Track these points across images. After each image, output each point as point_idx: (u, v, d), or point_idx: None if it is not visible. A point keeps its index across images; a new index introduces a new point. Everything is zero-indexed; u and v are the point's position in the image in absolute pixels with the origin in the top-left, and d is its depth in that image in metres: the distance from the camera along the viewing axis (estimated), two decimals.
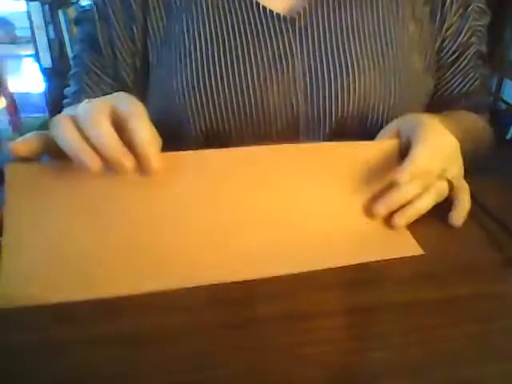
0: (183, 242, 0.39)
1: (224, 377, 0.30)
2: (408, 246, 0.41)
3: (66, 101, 0.65)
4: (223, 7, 0.56)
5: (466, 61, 0.63)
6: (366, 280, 0.38)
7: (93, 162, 0.35)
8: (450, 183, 0.45)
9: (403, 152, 0.44)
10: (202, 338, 0.33)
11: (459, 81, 0.65)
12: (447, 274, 0.39)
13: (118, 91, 0.56)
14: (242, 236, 0.40)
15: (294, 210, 0.42)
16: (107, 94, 0.59)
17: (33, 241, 0.37)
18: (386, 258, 0.39)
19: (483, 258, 0.41)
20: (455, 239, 0.43)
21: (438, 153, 0.44)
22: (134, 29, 0.58)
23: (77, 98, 0.61)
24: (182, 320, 0.34)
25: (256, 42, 0.55)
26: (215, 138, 0.49)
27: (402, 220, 0.43)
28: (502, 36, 1.91)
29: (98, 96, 0.59)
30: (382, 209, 0.43)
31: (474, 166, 0.47)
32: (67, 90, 0.65)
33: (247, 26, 0.56)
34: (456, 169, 0.46)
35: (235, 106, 0.55)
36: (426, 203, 0.44)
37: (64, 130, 0.35)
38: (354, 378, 0.30)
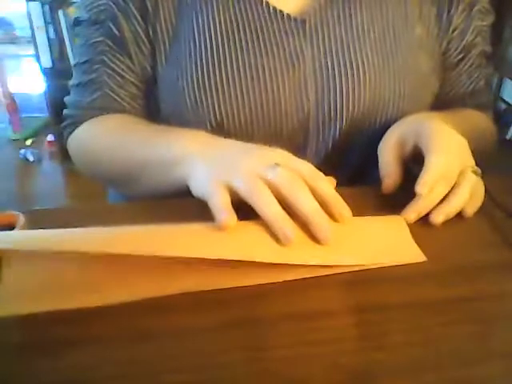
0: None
1: (224, 377, 0.30)
2: (411, 253, 0.41)
3: (66, 111, 0.64)
4: (233, 7, 0.56)
5: (472, 61, 0.64)
6: (366, 280, 0.38)
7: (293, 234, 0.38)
8: (477, 172, 0.45)
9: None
10: (202, 337, 0.33)
11: (464, 80, 0.65)
12: (447, 274, 0.39)
13: (142, 91, 0.61)
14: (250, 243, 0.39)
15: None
16: (134, 96, 0.62)
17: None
18: (388, 264, 0.39)
19: (483, 258, 0.41)
20: (455, 239, 0.43)
21: (452, 153, 0.44)
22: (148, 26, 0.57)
23: (96, 106, 0.60)
24: (182, 320, 0.34)
25: (267, 42, 0.55)
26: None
27: (439, 217, 0.43)
28: (502, 36, 1.91)
29: (123, 101, 0.61)
30: (412, 215, 0.44)
31: (478, 165, 0.47)
32: (70, 100, 0.63)
33: (258, 27, 0.55)
34: (472, 162, 0.46)
35: (246, 106, 0.55)
36: (461, 197, 0.44)
37: (266, 201, 0.38)
38: (354, 378, 0.30)
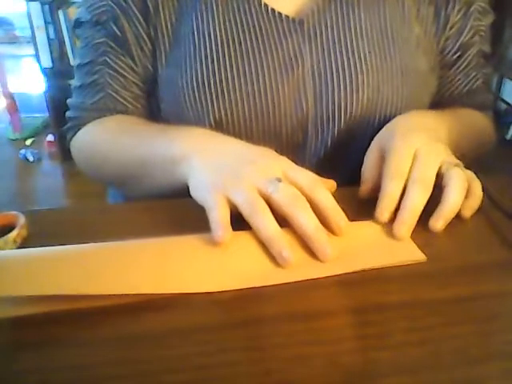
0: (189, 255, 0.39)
1: (224, 377, 0.30)
2: (410, 252, 0.41)
3: (69, 113, 0.64)
4: (232, 9, 0.56)
5: (468, 60, 0.64)
6: (365, 280, 0.38)
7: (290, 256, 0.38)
8: (460, 165, 0.44)
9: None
10: (202, 337, 0.33)
11: (461, 80, 0.65)
12: (447, 274, 0.39)
13: (144, 91, 0.62)
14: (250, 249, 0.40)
15: None
16: (136, 96, 0.62)
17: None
18: (388, 264, 0.39)
19: (483, 258, 0.41)
20: (455, 239, 0.43)
21: (410, 151, 0.44)
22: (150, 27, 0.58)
23: (99, 108, 0.60)
24: (182, 320, 0.34)
25: (266, 43, 0.55)
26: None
27: (438, 223, 0.42)
28: (502, 36, 1.91)
29: (126, 102, 0.61)
30: (404, 230, 0.41)
31: (477, 165, 0.47)
32: (73, 101, 0.63)
33: (256, 28, 0.56)
34: (452, 158, 0.45)
35: (245, 106, 0.55)
36: (454, 193, 0.42)
37: (264, 222, 0.39)
38: (353, 378, 0.30)
